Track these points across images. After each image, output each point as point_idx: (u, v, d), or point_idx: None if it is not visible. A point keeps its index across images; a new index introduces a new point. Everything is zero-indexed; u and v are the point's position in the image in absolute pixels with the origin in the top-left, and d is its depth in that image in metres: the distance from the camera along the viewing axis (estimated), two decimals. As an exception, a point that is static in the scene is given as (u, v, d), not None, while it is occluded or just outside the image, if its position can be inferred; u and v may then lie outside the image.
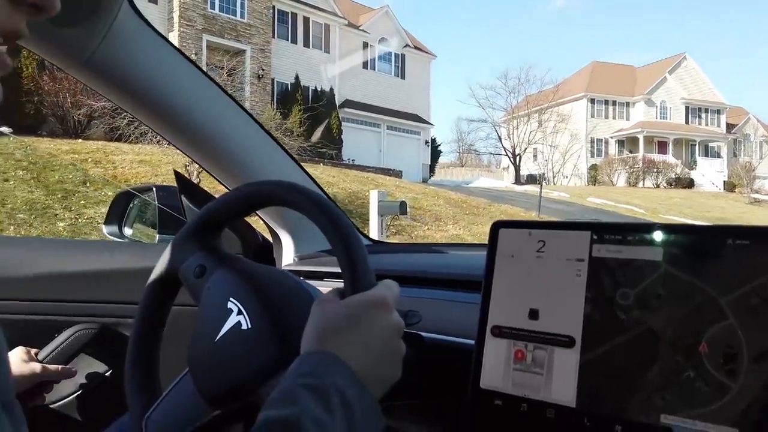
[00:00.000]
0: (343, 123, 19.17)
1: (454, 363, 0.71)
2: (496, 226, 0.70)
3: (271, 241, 1.24)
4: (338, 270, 0.57)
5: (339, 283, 0.58)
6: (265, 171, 1.10)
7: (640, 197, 20.47)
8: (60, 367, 1.02)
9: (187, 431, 0.61)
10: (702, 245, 0.58)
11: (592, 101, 30.99)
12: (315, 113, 17.16)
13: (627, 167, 28.05)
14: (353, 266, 0.56)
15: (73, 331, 1.12)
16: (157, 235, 1.31)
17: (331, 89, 19.53)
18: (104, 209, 7.38)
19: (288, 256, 1.21)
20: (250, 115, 1.08)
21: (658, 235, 0.60)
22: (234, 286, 0.63)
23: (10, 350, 0.95)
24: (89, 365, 1.16)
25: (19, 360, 0.96)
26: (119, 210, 1.46)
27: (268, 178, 1.08)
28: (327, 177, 11.94)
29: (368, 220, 6.80)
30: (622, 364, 0.58)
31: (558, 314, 0.63)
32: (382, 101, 21.84)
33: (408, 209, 7.88)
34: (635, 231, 0.61)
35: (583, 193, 20.82)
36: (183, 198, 1.10)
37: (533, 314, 0.64)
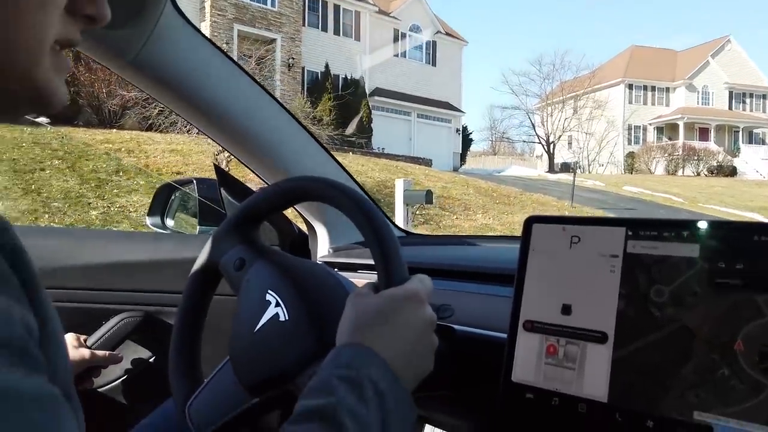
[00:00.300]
0: (373, 111, 19.12)
1: (486, 356, 0.72)
2: (530, 222, 0.70)
3: (307, 232, 1.27)
4: (372, 262, 0.59)
5: (372, 275, 0.59)
6: (298, 162, 1.12)
7: (679, 186, 19.83)
8: (107, 352, 1.07)
9: (228, 417, 0.64)
10: (740, 242, 0.57)
11: (630, 87, 30.06)
12: (345, 102, 17.17)
13: (666, 155, 27.18)
14: (387, 261, 0.57)
15: (120, 319, 1.17)
16: (198, 227, 1.35)
17: (362, 77, 19.49)
18: (136, 198, 7.50)
19: (323, 247, 1.23)
20: (286, 109, 1.10)
21: (695, 232, 0.59)
22: (272, 278, 0.66)
23: None
24: (134, 351, 1.21)
25: (69, 346, 1.02)
26: (161, 202, 1.51)
27: (302, 169, 1.10)
28: (356, 166, 11.94)
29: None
30: (655, 361, 0.58)
31: (591, 310, 0.63)
32: (412, 89, 21.67)
33: (435, 198, 7.84)
34: (671, 227, 0.61)
35: (618, 182, 20.30)
36: (222, 190, 1.13)
37: (566, 309, 0.65)
